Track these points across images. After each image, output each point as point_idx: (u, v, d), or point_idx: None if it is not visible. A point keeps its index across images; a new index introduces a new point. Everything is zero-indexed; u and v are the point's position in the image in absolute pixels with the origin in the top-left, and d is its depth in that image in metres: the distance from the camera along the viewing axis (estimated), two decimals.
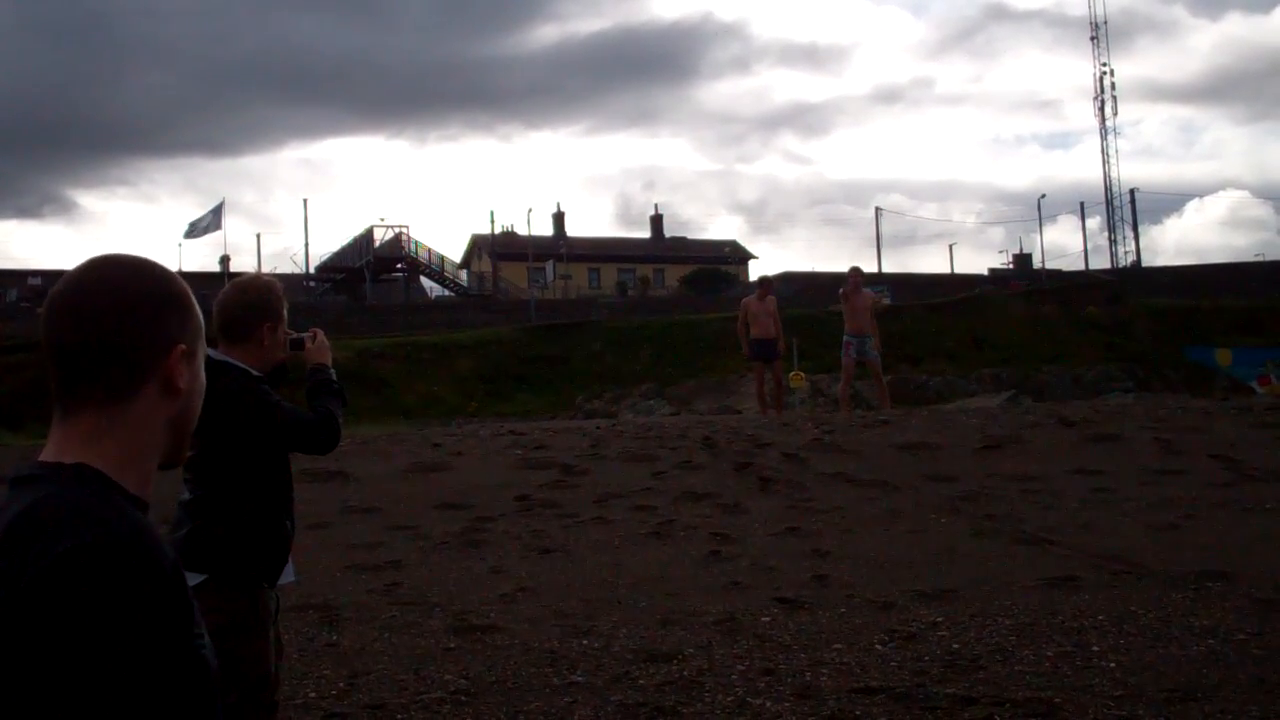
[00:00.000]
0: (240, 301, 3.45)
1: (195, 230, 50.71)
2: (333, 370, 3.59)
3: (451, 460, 10.70)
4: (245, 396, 3.33)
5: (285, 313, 3.54)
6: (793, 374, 17.41)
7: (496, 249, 58.97)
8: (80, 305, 1.40)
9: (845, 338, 15.11)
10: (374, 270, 52.47)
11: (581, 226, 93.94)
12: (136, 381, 1.40)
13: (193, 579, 3.29)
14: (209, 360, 3.42)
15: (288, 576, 3.52)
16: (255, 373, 3.42)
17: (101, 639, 1.19)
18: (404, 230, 53.85)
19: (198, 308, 1.50)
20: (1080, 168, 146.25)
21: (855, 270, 15.67)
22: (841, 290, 15.14)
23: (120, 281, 1.42)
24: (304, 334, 3.59)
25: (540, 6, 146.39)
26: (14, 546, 1.25)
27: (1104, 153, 64.69)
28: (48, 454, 1.39)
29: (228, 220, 52.14)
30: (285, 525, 3.43)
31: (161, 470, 1.46)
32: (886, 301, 46.64)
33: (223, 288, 3.58)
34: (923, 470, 9.58)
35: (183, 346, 1.44)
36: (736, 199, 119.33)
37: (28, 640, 1.19)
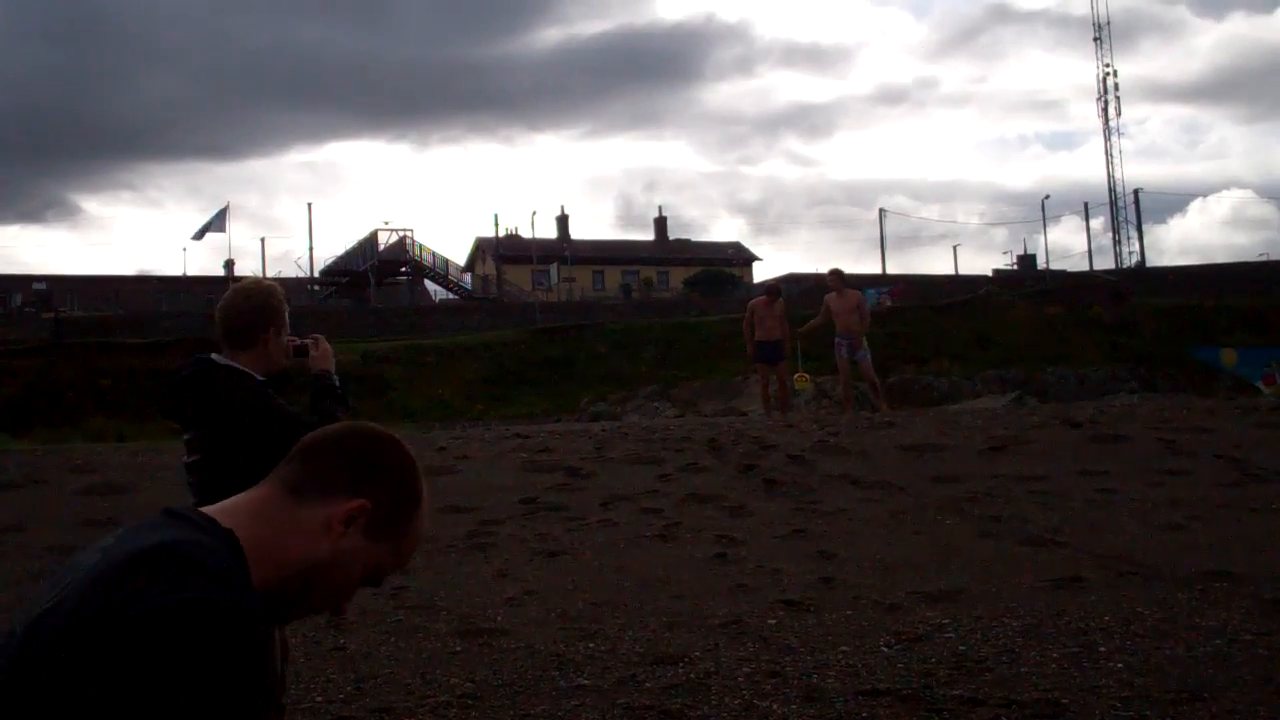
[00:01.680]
0: (244, 307, 3.46)
1: (199, 231, 50.88)
2: (336, 376, 3.60)
3: (456, 463, 10.70)
4: (251, 401, 3.33)
5: (287, 316, 3.55)
6: (797, 375, 17.35)
7: (500, 252, 59.06)
8: (376, 451, 1.53)
9: (836, 339, 15.05)
10: (378, 274, 52.53)
11: (584, 228, 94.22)
12: (346, 507, 1.46)
13: None
14: (214, 365, 3.43)
15: None
16: (260, 378, 3.43)
17: (180, 694, 1.19)
18: (408, 234, 53.98)
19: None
20: (1084, 168, 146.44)
21: (835, 272, 15.49)
22: (825, 295, 15.09)
23: (400, 460, 1.53)
24: (306, 340, 3.59)
25: (543, 8, 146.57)
26: (139, 574, 1.26)
27: (1108, 153, 65.12)
28: (215, 509, 1.45)
29: (232, 225, 52.24)
30: None
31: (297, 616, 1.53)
32: (889, 303, 46.64)
33: (224, 293, 3.59)
34: (927, 471, 9.57)
35: (366, 504, 1.48)
36: (739, 200, 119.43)
37: (116, 666, 1.20)
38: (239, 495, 1.47)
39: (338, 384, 3.57)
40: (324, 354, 3.59)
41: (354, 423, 1.55)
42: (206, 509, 1.43)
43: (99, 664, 1.20)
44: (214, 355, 3.43)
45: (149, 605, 1.22)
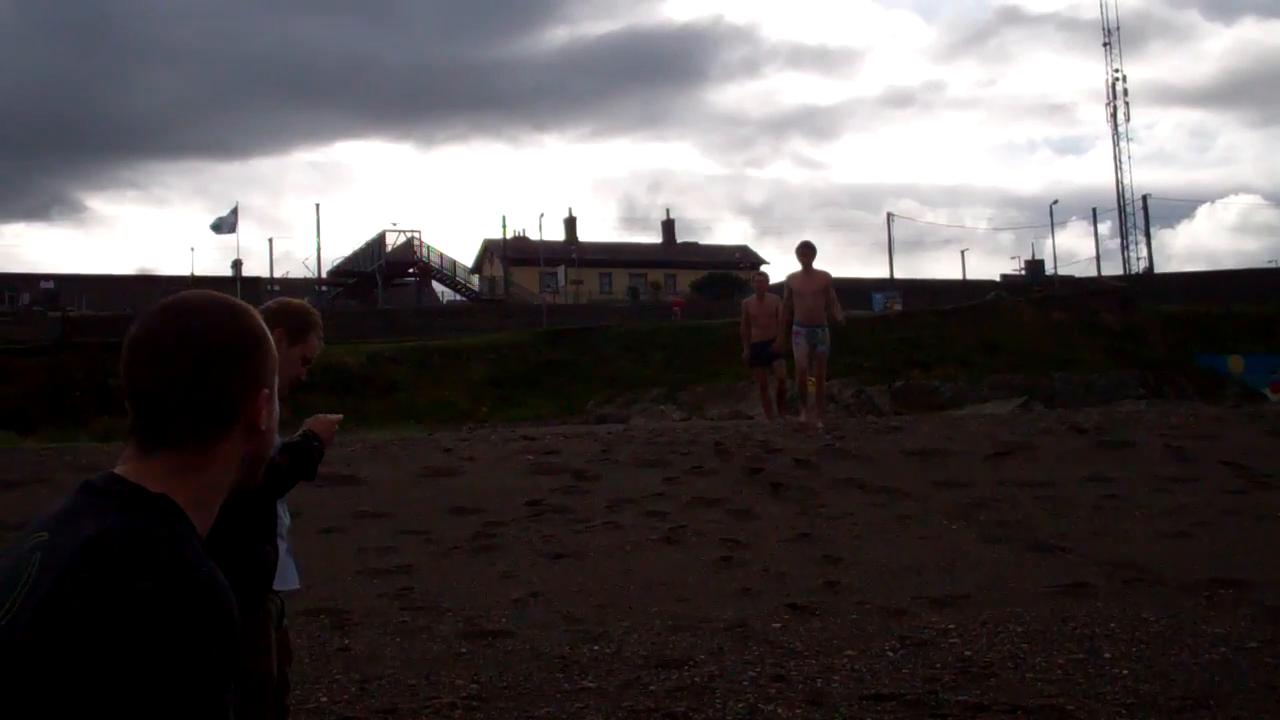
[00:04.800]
0: (270, 306, 3.53)
1: (216, 224, 50.97)
2: (321, 449, 3.50)
3: (463, 465, 10.71)
4: None
5: (314, 340, 3.51)
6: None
7: (508, 254, 59.09)
8: (165, 356, 1.39)
9: (794, 326, 12.73)
10: (386, 275, 52.63)
11: (589, 228, 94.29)
12: (224, 428, 1.41)
13: None
14: None
15: (290, 583, 3.49)
16: None
17: (163, 682, 1.20)
18: (416, 235, 54.10)
19: (272, 341, 1.50)
20: (1092, 172, 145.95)
21: (804, 245, 13.03)
22: (789, 275, 12.94)
23: (204, 331, 1.41)
24: (334, 416, 3.62)
25: (550, 9, 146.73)
26: (92, 570, 1.24)
27: (1116, 158, 65.05)
28: (129, 474, 1.38)
29: (240, 224, 52.37)
30: (264, 550, 3.34)
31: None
32: (898, 307, 46.55)
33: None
34: (934, 476, 9.56)
35: (266, 390, 1.45)
36: (744, 202, 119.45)
37: (89, 670, 1.19)
38: (153, 462, 1.38)
39: (318, 449, 3.48)
40: (326, 422, 3.58)
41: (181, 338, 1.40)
42: (124, 471, 1.38)
43: (73, 673, 1.19)
44: None
45: (110, 603, 1.20)
